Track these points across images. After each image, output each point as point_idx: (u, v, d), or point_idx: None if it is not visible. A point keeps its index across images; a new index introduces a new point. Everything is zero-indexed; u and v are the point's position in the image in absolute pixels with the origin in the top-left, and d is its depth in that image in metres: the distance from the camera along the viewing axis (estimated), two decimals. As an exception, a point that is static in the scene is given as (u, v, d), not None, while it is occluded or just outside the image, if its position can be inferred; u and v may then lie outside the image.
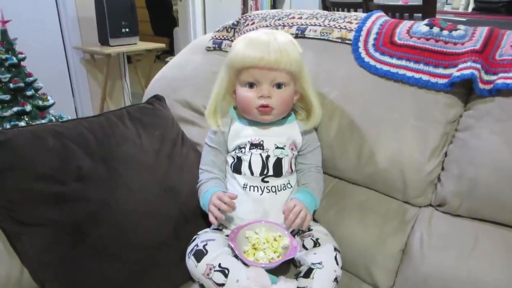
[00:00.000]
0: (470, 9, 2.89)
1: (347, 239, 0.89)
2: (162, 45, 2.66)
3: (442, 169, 0.84)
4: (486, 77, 0.80)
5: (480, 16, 2.26)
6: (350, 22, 1.00)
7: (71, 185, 0.77)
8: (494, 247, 0.75)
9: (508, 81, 0.76)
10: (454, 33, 0.87)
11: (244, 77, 0.82)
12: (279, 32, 0.87)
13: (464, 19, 1.36)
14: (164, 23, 4.64)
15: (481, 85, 0.79)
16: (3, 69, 1.79)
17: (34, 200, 0.73)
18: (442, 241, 0.80)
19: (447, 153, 0.84)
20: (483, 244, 0.76)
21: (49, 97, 1.79)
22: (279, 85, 0.82)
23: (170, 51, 4.77)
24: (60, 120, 1.81)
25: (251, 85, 0.83)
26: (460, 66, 0.81)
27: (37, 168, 0.75)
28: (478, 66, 0.80)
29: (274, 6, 3.37)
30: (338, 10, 2.28)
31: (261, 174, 0.85)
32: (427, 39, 0.88)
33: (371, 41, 0.94)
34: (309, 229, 0.87)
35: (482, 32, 0.86)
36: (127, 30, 2.44)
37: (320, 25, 1.03)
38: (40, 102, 1.79)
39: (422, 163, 0.84)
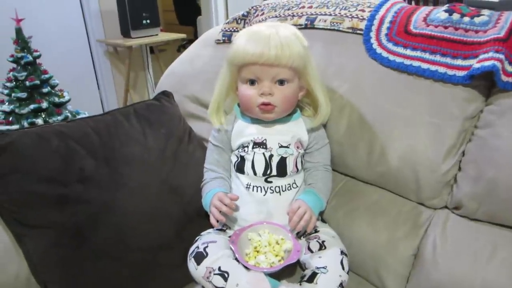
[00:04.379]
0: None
1: (356, 241, 0.85)
2: (182, 35, 2.65)
3: (459, 169, 0.78)
4: (510, 69, 0.72)
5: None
6: (363, 10, 0.94)
7: (73, 186, 0.77)
8: (514, 256, 0.68)
9: (535, 73, 0.68)
10: (476, 19, 0.79)
11: (244, 74, 0.79)
12: (283, 25, 0.82)
13: (496, 0, 1.24)
14: (189, 11, 4.63)
15: (504, 78, 0.72)
16: (19, 67, 1.81)
17: (36, 202, 0.74)
18: (456, 247, 0.74)
19: (465, 152, 0.77)
20: (502, 252, 0.69)
21: (65, 93, 1.83)
22: (281, 82, 0.78)
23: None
24: (76, 116, 1.84)
25: (252, 82, 0.79)
26: (481, 56, 0.74)
27: (40, 170, 0.75)
28: (501, 56, 0.72)
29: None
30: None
31: (264, 174, 0.83)
32: (446, 27, 0.80)
33: (384, 30, 0.88)
34: (316, 231, 0.84)
35: (508, 17, 0.77)
36: (148, 21, 2.45)
37: (330, 15, 0.97)
38: (56, 99, 1.82)
39: (437, 163, 0.78)
